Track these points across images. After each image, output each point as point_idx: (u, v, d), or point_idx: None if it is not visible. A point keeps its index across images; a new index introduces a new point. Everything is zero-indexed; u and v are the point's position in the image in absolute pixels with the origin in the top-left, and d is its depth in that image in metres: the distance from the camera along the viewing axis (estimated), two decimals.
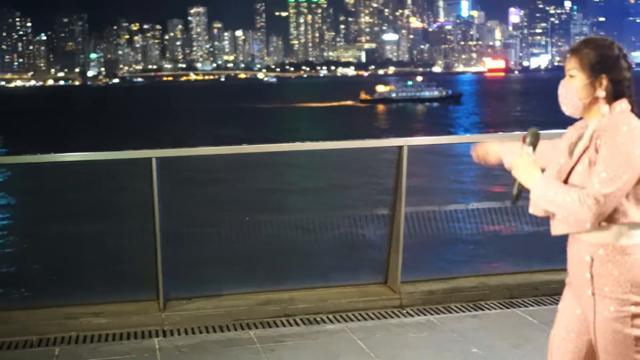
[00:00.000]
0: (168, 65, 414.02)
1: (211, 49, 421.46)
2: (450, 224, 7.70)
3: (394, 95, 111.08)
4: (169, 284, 6.52)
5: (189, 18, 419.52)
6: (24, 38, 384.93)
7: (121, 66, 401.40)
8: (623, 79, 3.32)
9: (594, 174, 3.16)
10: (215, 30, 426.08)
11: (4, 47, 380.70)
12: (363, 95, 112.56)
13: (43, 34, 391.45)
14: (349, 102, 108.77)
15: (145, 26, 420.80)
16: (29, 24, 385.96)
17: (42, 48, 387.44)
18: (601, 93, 3.30)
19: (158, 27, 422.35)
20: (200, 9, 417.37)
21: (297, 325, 6.31)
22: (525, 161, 3.38)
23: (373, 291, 6.97)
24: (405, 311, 6.64)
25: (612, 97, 3.30)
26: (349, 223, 7.42)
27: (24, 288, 7.64)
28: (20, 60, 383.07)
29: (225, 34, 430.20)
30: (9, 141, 48.53)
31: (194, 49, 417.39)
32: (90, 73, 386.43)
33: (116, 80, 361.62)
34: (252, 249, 7.21)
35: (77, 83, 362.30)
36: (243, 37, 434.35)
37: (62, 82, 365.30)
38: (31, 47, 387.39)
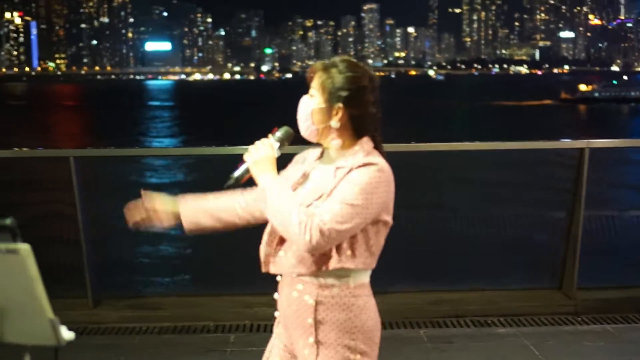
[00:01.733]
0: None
1: (382, 46, 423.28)
2: (631, 230, 7.39)
3: (596, 94, 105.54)
4: None
5: (362, 14, 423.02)
6: (204, 33, 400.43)
7: (294, 61, 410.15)
8: (365, 114, 2.90)
9: (327, 201, 2.79)
10: (387, 27, 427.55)
11: (185, 41, 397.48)
12: (563, 95, 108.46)
13: (222, 30, 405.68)
14: (548, 102, 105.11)
15: (319, 22, 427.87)
16: (209, 20, 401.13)
17: (221, 43, 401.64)
18: (334, 123, 2.90)
19: (331, 23, 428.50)
20: (373, 6, 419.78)
21: (468, 326, 6.23)
22: (266, 152, 2.93)
23: (546, 296, 6.79)
24: (580, 318, 6.43)
25: (354, 131, 2.91)
26: (522, 224, 7.26)
27: (207, 275, 7.96)
28: (200, 54, 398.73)
29: (397, 30, 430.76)
30: (196, 133, 50.51)
31: (366, 45, 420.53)
32: (264, 68, 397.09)
33: (289, 75, 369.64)
34: (420, 246, 7.18)
35: (251, 77, 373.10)
36: (415, 34, 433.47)
37: (237, 76, 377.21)
38: (210, 42, 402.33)
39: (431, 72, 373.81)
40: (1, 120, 62.42)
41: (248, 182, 3.00)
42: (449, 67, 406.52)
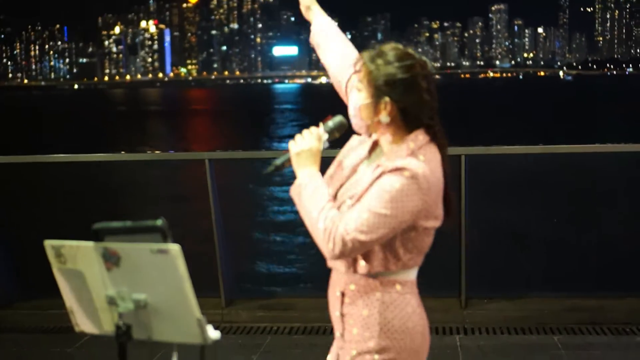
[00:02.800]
0: (466, 63, 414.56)
1: (510, 46, 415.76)
2: None
3: None
4: (470, 282, 6.51)
5: (490, 15, 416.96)
6: None
7: None
8: (417, 104, 2.65)
9: (355, 208, 2.59)
10: (516, 27, 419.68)
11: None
12: None
13: (348, 33, 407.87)
14: None
15: (445, 24, 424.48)
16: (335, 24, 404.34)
17: None
18: (384, 118, 2.66)
19: (458, 24, 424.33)
20: (502, 6, 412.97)
21: (605, 334, 6.03)
22: (311, 143, 2.76)
23: None
24: None
25: (405, 124, 2.66)
26: None
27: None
28: None
29: (526, 30, 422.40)
30: None
31: (493, 46, 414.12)
32: None
33: None
34: (557, 251, 6.99)
35: None
36: (544, 34, 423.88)
37: None
38: None
39: (561, 73, 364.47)
40: (138, 125, 64.66)
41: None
42: (579, 67, 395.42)
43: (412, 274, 2.74)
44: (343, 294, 2.75)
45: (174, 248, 2.15)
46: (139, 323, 2.28)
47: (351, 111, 2.90)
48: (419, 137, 2.67)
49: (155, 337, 2.31)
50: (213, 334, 2.26)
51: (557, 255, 6.95)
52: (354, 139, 2.94)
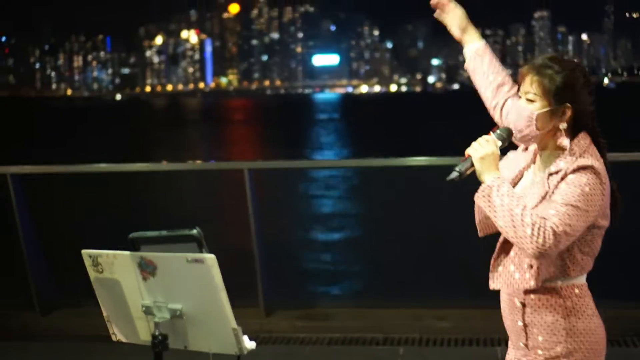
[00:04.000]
0: (509, 71, 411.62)
1: (554, 53, 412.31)
2: None
3: None
4: None
5: (532, 22, 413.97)
6: (371, 46, 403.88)
7: (461, 72, 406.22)
8: (586, 109, 2.87)
9: (550, 205, 2.71)
10: (559, 35, 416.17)
11: (352, 54, 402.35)
12: None
13: (389, 42, 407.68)
14: None
15: (488, 31, 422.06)
16: (375, 32, 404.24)
17: (387, 55, 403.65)
18: (563, 125, 2.85)
19: (500, 32, 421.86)
20: (544, 13, 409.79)
21: None
22: (491, 149, 2.85)
23: None
24: None
25: (573, 129, 2.86)
26: None
27: (377, 286, 7.97)
28: (367, 67, 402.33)
29: (570, 37, 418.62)
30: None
31: (536, 53, 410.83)
32: (430, 79, 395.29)
33: (456, 86, 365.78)
34: (600, 259, 6.87)
35: (417, 89, 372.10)
36: (588, 41, 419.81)
37: (404, 88, 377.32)
38: (377, 55, 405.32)
39: (605, 80, 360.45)
40: (177, 135, 65.08)
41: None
42: (625, 74, 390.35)
43: (584, 278, 2.90)
44: (524, 305, 2.88)
45: (210, 257, 2.15)
46: (175, 333, 2.29)
47: (522, 123, 2.91)
48: (585, 139, 2.85)
49: (192, 347, 2.32)
50: (248, 344, 2.26)
51: (599, 263, 6.84)
52: (509, 154, 3.10)
